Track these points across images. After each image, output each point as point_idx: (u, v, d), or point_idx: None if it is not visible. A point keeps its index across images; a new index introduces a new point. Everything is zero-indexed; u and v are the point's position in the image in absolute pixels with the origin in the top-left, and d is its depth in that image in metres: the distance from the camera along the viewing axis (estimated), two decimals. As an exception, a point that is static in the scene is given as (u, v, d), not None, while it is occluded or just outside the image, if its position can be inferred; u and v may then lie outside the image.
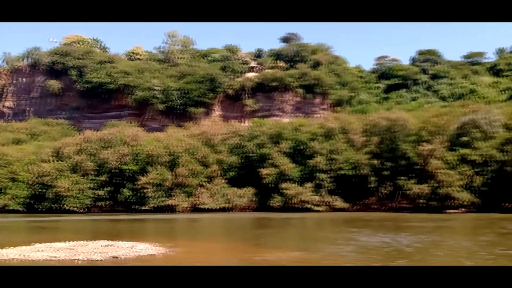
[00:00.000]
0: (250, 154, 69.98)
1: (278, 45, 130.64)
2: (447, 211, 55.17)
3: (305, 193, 62.35)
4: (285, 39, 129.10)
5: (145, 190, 67.16)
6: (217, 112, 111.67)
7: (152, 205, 66.90)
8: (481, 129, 60.42)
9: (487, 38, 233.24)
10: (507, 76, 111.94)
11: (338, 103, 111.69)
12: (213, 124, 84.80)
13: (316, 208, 61.84)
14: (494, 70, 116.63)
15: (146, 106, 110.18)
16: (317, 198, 62.60)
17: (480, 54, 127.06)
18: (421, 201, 57.14)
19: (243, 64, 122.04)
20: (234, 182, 68.78)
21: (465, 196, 55.33)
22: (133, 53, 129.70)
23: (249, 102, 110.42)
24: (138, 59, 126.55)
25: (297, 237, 33.23)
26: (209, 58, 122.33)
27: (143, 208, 67.07)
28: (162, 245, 24.52)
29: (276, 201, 64.34)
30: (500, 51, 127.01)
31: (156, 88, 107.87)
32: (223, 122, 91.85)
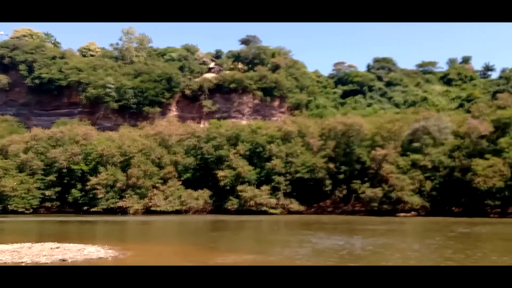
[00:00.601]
0: (207, 156, 69.17)
1: (237, 47, 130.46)
2: (399, 214, 56.60)
3: (262, 195, 62.26)
4: (245, 41, 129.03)
5: (95, 191, 65.14)
6: (173, 112, 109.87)
7: (103, 207, 64.94)
8: (431, 135, 62.51)
9: (439, 48, 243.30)
10: (457, 85, 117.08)
11: (296, 107, 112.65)
12: (169, 124, 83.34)
13: (272, 210, 61.83)
14: (445, 80, 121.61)
15: (99, 104, 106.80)
16: (273, 201, 62.67)
17: (432, 63, 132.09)
18: (374, 204, 58.34)
19: (202, 64, 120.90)
20: (189, 184, 67.79)
21: (416, 200, 56.99)
22: (86, 49, 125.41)
23: (207, 103, 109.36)
24: (92, 55, 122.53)
25: (253, 240, 32.80)
26: (167, 57, 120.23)
27: (93, 209, 64.98)
28: (112, 248, 23.42)
29: (232, 203, 63.82)
30: (451, 62, 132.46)
31: (110, 86, 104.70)
32: (180, 122, 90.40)
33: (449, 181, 57.53)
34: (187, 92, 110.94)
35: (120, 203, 64.99)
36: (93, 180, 65.50)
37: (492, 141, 57.40)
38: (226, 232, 37.76)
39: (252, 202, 61.76)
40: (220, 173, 65.32)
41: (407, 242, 28.99)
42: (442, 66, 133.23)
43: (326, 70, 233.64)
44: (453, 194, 56.58)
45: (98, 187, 65.06)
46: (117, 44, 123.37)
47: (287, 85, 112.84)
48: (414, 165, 60.18)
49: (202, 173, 69.41)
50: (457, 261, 19.87)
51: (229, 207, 63.81)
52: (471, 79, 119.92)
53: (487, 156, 55.07)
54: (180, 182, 67.97)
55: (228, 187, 64.77)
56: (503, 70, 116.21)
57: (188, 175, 69.20)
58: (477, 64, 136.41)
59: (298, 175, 64.11)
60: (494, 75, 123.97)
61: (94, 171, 67.45)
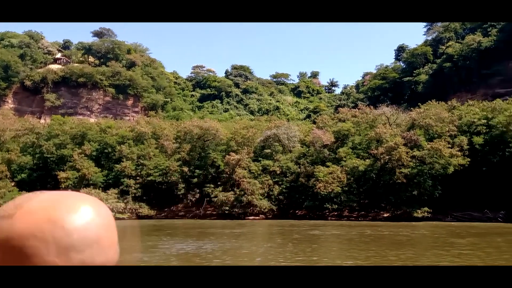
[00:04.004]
0: (47, 155, 62.46)
1: (89, 39, 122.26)
2: (248, 217, 58.04)
3: (108, 199, 57.97)
4: (98, 34, 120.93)
5: None
6: (9, 104, 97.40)
7: None
8: (281, 143, 65.85)
9: (291, 61, 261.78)
10: (306, 97, 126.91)
11: (151, 107, 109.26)
12: (3, 118, 73.93)
13: (119, 215, 58.09)
14: (296, 91, 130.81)
15: None
16: (121, 205, 59.04)
17: (285, 75, 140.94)
18: (225, 208, 58.91)
19: (47, 54, 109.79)
20: (24, 186, 60.22)
21: (264, 204, 59.12)
22: None
23: (50, 96, 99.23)
24: None
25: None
26: (5, 42, 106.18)
27: None
28: None
29: (74, 208, 58.33)
30: (302, 75, 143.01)
31: None
32: (16, 116, 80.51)
33: (295, 186, 60.94)
34: (27, 83, 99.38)
35: None
36: None
37: (333, 150, 62.55)
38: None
39: (96, 207, 57.18)
40: (62, 175, 59.38)
41: (255, 245, 29.34)
42: (294, 79, 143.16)
43: (184, 72, 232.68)
44: (297, 198, 60.07)
45: None
46: None
47: (142, 84, 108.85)
48: (265, 170, 62.50)
49: (40, 173, 62.36)
50: (303, 263, 20.35)
51: (71, 212, 58.21)
52: (318, 92, 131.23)
53: (328, 163, 59.74)
54: (13, 183, 60.36)
55: (70, 190, 59.04)
56: (345, 87, 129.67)
57: (24, 175, 61.65)
58: (324, 79, 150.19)
59: (150, 178, 61.56)
60: (338, 90, 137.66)
61: None
